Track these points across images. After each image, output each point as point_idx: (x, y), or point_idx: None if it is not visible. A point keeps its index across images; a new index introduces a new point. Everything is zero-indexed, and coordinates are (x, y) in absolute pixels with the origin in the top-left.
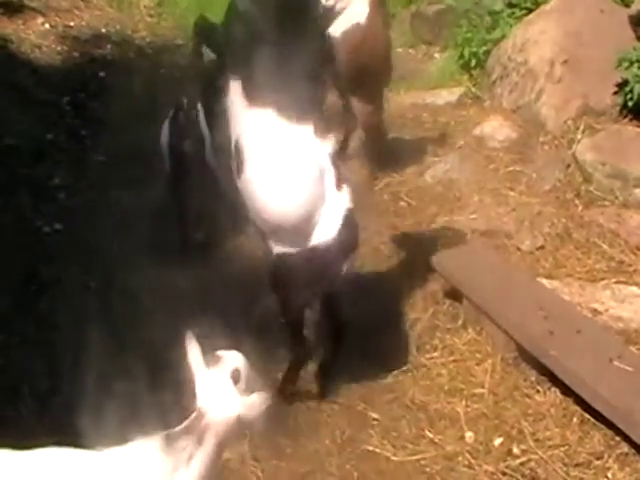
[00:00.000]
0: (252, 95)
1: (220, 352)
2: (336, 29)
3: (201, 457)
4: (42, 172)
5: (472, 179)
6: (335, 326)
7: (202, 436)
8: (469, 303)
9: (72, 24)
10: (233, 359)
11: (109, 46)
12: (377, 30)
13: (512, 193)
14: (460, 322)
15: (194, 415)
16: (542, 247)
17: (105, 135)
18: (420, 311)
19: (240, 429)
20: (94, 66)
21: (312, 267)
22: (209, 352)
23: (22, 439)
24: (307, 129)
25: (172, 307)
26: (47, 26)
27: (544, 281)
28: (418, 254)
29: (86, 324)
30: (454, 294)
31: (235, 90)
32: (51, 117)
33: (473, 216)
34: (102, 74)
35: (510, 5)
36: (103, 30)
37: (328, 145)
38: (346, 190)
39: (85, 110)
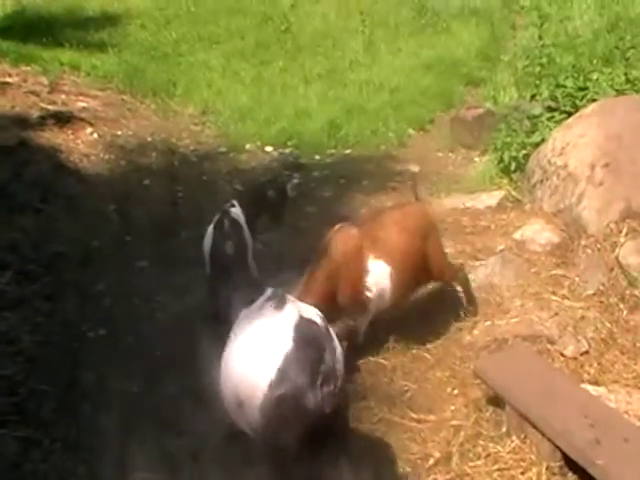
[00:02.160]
0: None
1: None
2: None
3: None
4: (88, 278)
5: (514, 283)
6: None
7: None
8: (512, 410)
9: (119, 133)
10: None
11: (154, 154)
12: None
13: (554, 297)
14: (504, 429)
15: None
16: (586, 352)
17: (149, 241)
18: (463, 418)
19: None
20: (139, 174)
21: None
22: None
23: None
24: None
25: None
26: (95, 136)
27: (589, 387)
28: (460, 360)
29: (129, 430)
30: (497, 400)
31: None
32: (97, 224)
33: (515, 320)
34: (147, 182)
35: (549, 109)
36: (149, 139)
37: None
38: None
39: (130, 217)
